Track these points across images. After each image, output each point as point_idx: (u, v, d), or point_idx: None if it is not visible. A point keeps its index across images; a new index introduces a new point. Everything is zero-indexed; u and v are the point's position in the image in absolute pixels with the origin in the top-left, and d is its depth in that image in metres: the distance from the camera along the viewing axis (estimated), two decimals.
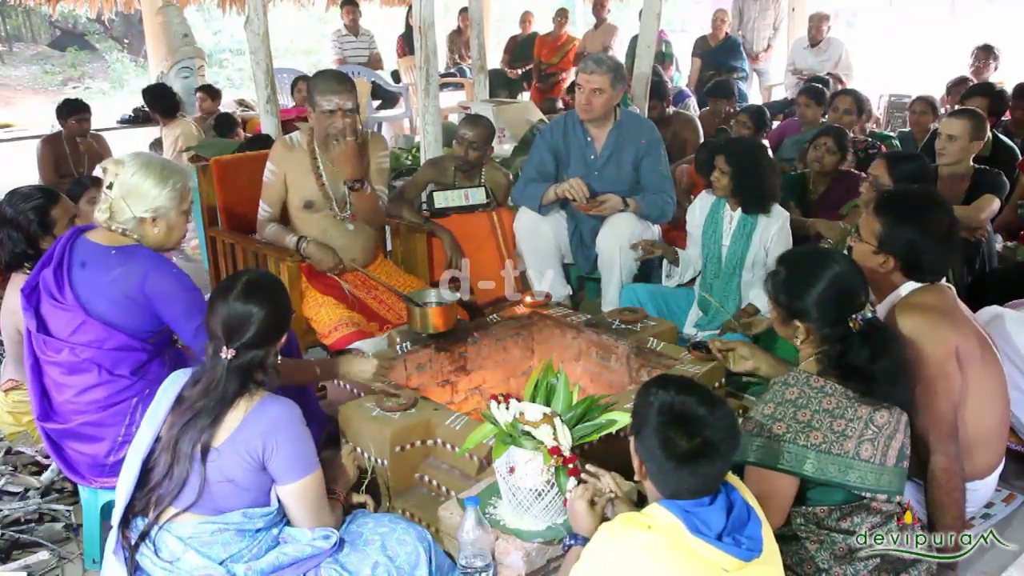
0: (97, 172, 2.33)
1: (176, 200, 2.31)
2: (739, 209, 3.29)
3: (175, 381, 1.98)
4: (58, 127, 5.78)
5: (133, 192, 2.26)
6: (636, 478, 1.73)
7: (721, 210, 3.37)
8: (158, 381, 2.07)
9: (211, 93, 6.99)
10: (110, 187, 2.27)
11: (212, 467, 1.85)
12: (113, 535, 1.92)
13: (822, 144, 3.96)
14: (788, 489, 1.95)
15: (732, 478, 1.72)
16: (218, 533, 1.87)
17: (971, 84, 5.66)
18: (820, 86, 5.38)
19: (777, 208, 3.28)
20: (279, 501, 1.94)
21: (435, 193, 3.81)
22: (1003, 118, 4.99)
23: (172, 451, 1.85)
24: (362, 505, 2.21)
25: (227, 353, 1.87)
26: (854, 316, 2.00)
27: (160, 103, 6.27)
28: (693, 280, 3.55)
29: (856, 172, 4.05)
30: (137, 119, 7.93)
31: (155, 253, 2.31)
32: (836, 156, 3.94)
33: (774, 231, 3.23)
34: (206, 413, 1.86)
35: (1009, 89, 5.17)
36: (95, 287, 2.25)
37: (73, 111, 5.61)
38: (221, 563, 1.86)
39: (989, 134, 4.34)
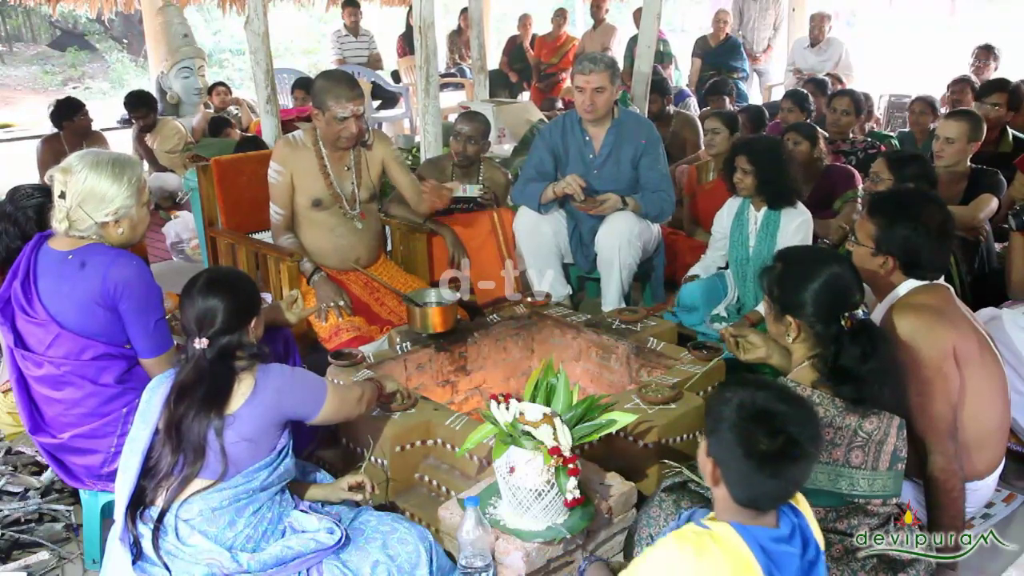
0: (46, 180, 2.26)
1: (135, 195, 2.21)
2: (764, 208, 3.30)
3: (162, 382, 1.99)
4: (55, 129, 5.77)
5: (90, 198, 2.16)
6: (707, 483, 1.58)
7: (746, 211, 3.37)
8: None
9: (226, 87, 7.26)
10: (62, 196, 2.16)
11: (230, 432, 1.89)
12: (116, 528, 1.92)
13: (789, 139, 3.97)
14: None
15: (803, 506, 1.59)
16: (226, 503, 1.88)
17: (985, 81, 5.52)
18: (805, 92, 5.35)
19: (801, 206, 3.29)
20: (276, 450, 1.97)
21: None
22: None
23: (180, 436, 1.87)
24: (359, 486, 2.15)
25: (200, 343, 1.92)
26: (847, 314, 1.99)
27: (143, 107, 6.24)
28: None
29: (843, 165, 4.07)
30: None
31: (113, 248, 2.22)
32: (805, 144, 3.95)
33: (793, 227, 3.23)
34: (207, 396, 1.89)
35: None
36: (61, 297, 2.17)
37: (71, 111, 5.61)
38: (228, 549, 1.87)
39: (1009, 133, 4.37)
